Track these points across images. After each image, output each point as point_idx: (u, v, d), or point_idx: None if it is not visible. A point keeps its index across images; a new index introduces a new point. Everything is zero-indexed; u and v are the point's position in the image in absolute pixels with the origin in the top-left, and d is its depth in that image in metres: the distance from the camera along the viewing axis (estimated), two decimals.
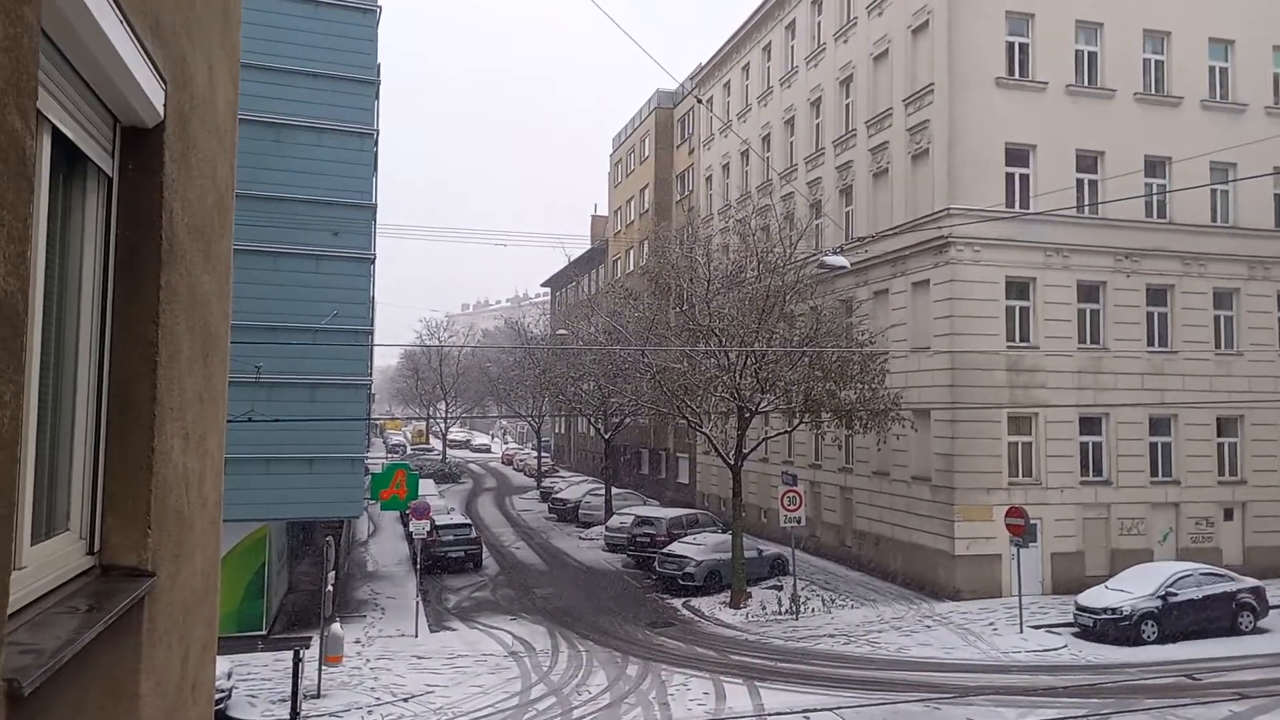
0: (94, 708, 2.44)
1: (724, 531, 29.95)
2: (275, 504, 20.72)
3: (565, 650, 21.20)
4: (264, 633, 21.47)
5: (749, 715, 16.27)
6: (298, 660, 10.99)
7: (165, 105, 3.04)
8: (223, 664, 16.39)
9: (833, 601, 25.24)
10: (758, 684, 18.05)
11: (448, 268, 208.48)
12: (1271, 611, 22.36)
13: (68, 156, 2.65)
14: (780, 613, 24.20)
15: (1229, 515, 27.56)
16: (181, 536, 3.46)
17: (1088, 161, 26.83)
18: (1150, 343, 27.18)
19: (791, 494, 25.16)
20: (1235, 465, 27.78)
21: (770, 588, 26.79)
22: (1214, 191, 27.81)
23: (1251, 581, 22.43)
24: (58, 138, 2.48)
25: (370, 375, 26.08)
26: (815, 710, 16.36)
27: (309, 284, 21.45)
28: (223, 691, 16.00)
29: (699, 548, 27.86)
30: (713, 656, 20.47)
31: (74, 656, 2.13)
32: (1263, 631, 21.68)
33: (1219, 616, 21.45)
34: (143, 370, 3.00)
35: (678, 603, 25.97)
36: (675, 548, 28.49)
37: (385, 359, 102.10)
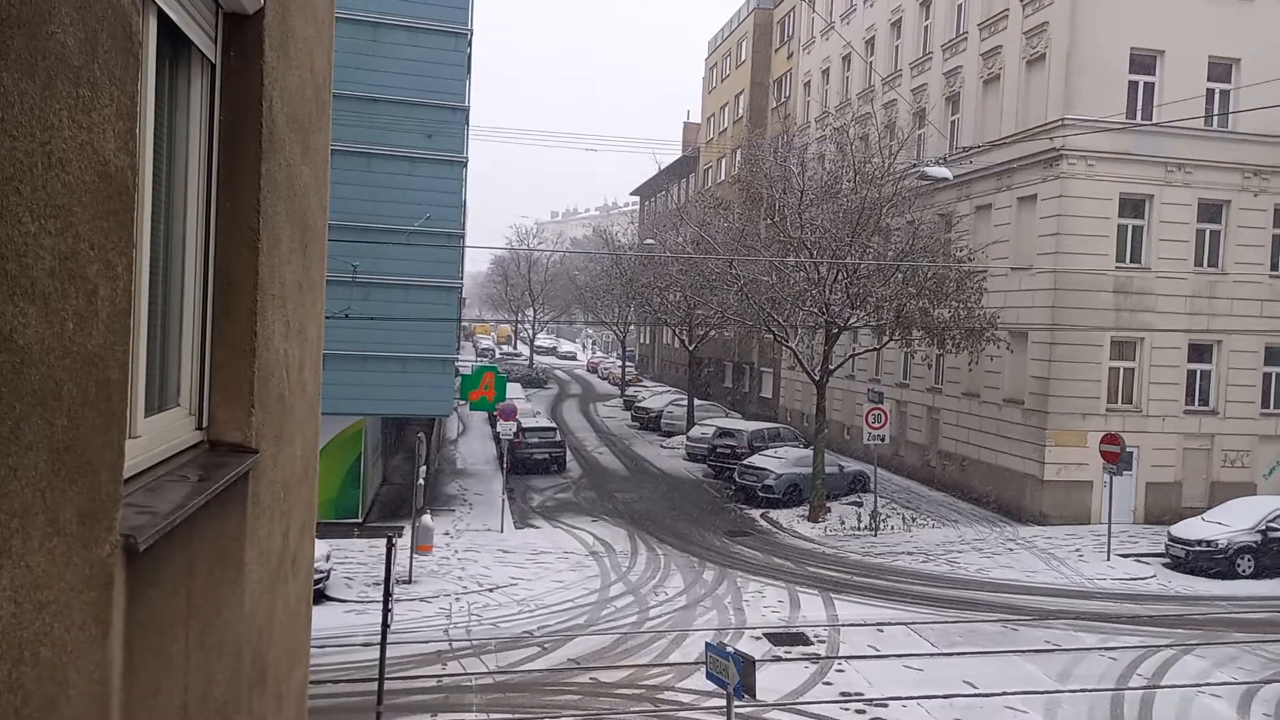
0: (203, 571, 2.59)
1: (805, 446, 29.92)
2: (370, 400, 21.49)
3: (644, 552, 21.75)
4: (360, 520, 22.57)
5: (822, 624, 16.50)
6: (391, 547, 11.54)
7: None
8: (321, 547, 17.33)
9: (913, 520, 25.13)
10: (832, 595, 18.24)
11: (539, 173, 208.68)
12: None
13: (173, 41, 2.68)
14: (859, 528, 24.25)
15: None
16: (283, 418, 3.60)
17: (1220, 69, 24.88)
18: (1274, 267, 25.54)
19: (877, 411, 24.87)
20: None
21: (850, 504, 26.80)
22: None
23: None
24: (163, 22, 2.50)
25: (461, 279, 26.49)
26: (889, 624, 16.49)
27: (403, 185, 21.69)
28: (321, 572, 16.97)
29: (780, 460, 27.95)
30: (789, 567, 20.72)
31: (184, 521, 2.25)
32: None
33: None
34: (245, 255, 3.07)
35: (756, 513, 26.25)
36: (756, 459, 28.64)
37: (476, 264, 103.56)
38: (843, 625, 16.40)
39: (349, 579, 18.24)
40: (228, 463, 2.84)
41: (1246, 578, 20.07)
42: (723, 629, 16.11)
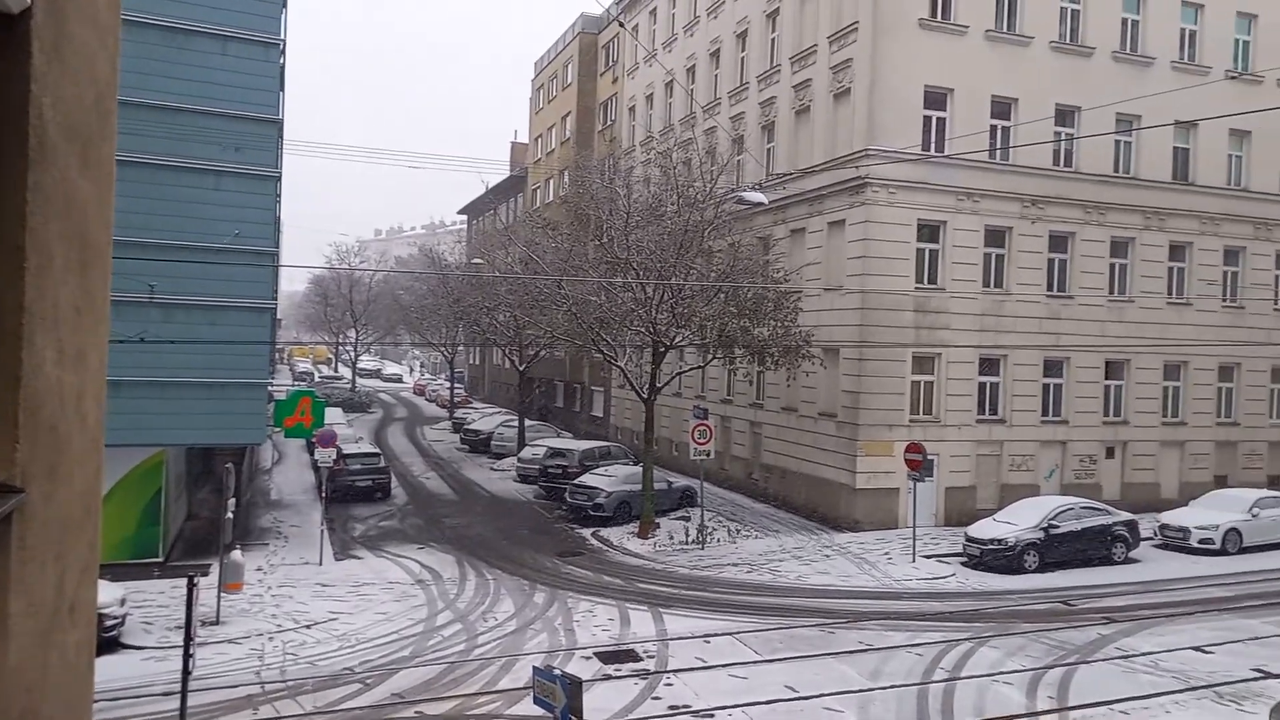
0: None
1: (635, 464, 30.34)
2: (172, 429, 20.06)
3: (473, 578, 21.34)
4: (161, 560, 20.96)
5: (652, 639, 16.72)
6: (192, 586, 10.76)
7: None
8: (116, 590, 15.99)
9: (738, 532, 25.95)
10: (662, 610, 18.53)
11: (361, 192, 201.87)
12: (1143, 543, 23.98)
13: None
14: (687, 542, 24.78)
15: (1110, 453, 29.22)
16: (57, 453, 3.30)
17: (1002, 107, 27.37)
18: (1049, 288, 28.24)
19: (702, 427, 25.56)
20: (1119, 407, 29.36)
21: (678, 519, 27.36)
22: (1117, 143, 28.77)
23: (1126, 515, 23.94)
24: None
25: (275, 299, 25.22)
26: (715, 635, 16.92)
27: (209, 200, 20.48)
28: (115, 618, 15.63)
29: (610, 479, 28.20)
30: (619, 584, 20.89)
31: None
32: (1134, 561, 23.23)
33: (1095, 547, 22.87)
34: (9, 276, 2.81)
35: (587, 532, 26.33)
36: (586, 479, 28.77)
37: (292, 283, 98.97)
38: (671, 639, 16.68)
39: (148, 624, 16.86)
40: None
41: (1033, 572, 21.96)
42: (553, 651, 16.02)
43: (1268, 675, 15.05)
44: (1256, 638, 17.12)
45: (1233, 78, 29.76)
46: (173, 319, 19.95)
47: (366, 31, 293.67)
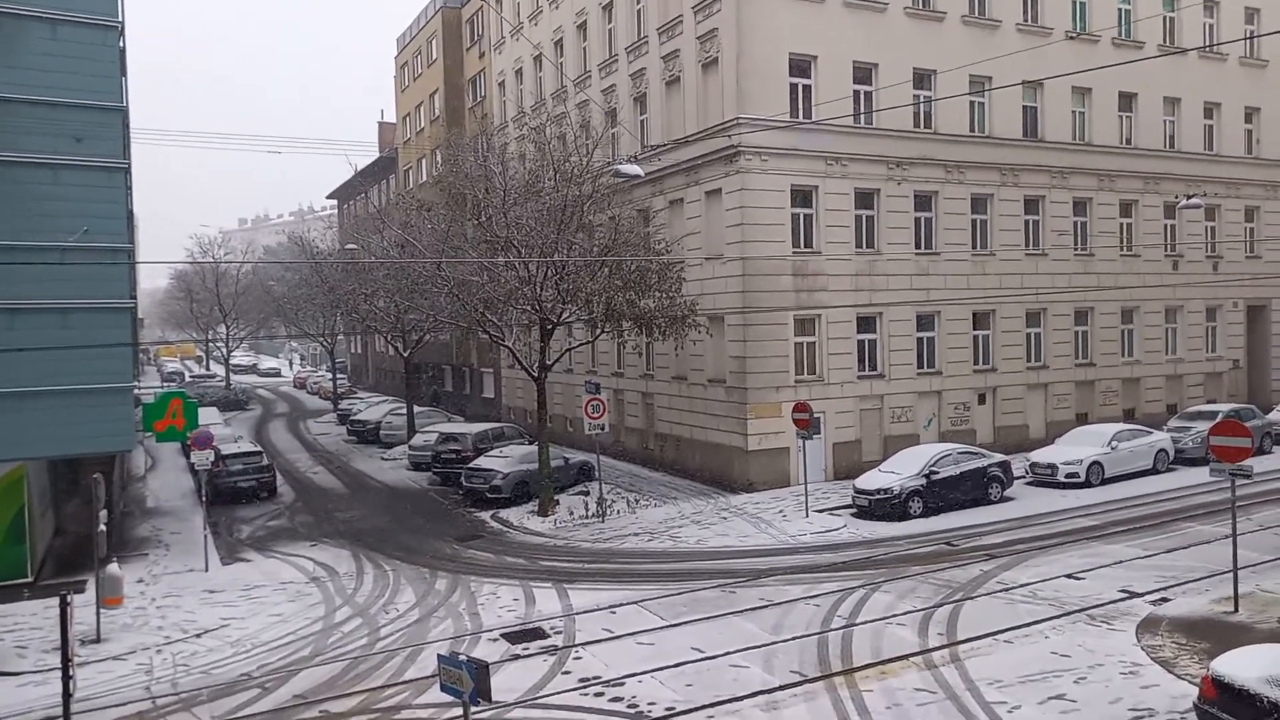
0: None
1: (531, 443, 30.19)
2: (30, 441, 18.77)
3: (371, 571, 20.87)
4: (30, 579, 19.67)
5: (558, 615, 16.75)
6: (66, 605, 10.14)
7: None
8: None
9: (637, 502, 26.20)
10: (566, 586, 18.58)
11: (222, 179, 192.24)
12: (1016, 482, 25.43)
13: None
14: (587, 517, 24.87)
15: (982, 400, 30.81)
16: None
17: (863, 73, 28.17)
18: (917, 245, 29.40)
19: (595, 402, 25.62)
20: (987, 355, 30.94)
21: (578, 494, 27.42)
22: (972, 104, 30.06)
23: (1000, 457, 25.32)
24: None
25: (134, 298, 23.80)
26: (620, 605, 17.09)
27: (50, 196, 19.12)
28: None
29: (506, 460, 27.99)
30: (522, 564, 20.82)
31: None
32: (1009, 499, 24.61)
33: (973, 489, 24.12)
34: None
35: (486, 515, 26.10)
36: (482, 461, 28.47)
37: (153, 280, 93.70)
38: (577, 614, 16.75)
39: (21, 648, 15.82)
40: None
41: (918, 517, 23.01)
42: (459, 636, 15.87)
43: (1133, 595, 16.26)
44: (1121, 561, 18.45)
45: (1072, 38, 31.45)
46: (18, 325, 18.62)
47: (212, 11, 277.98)
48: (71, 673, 10.24)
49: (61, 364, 18.61)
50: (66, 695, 10.27)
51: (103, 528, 17.20)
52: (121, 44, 21.85)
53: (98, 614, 16.56)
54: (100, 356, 19.19)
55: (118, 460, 27.70)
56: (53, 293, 18.95)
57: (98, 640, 16.08)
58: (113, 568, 17.28)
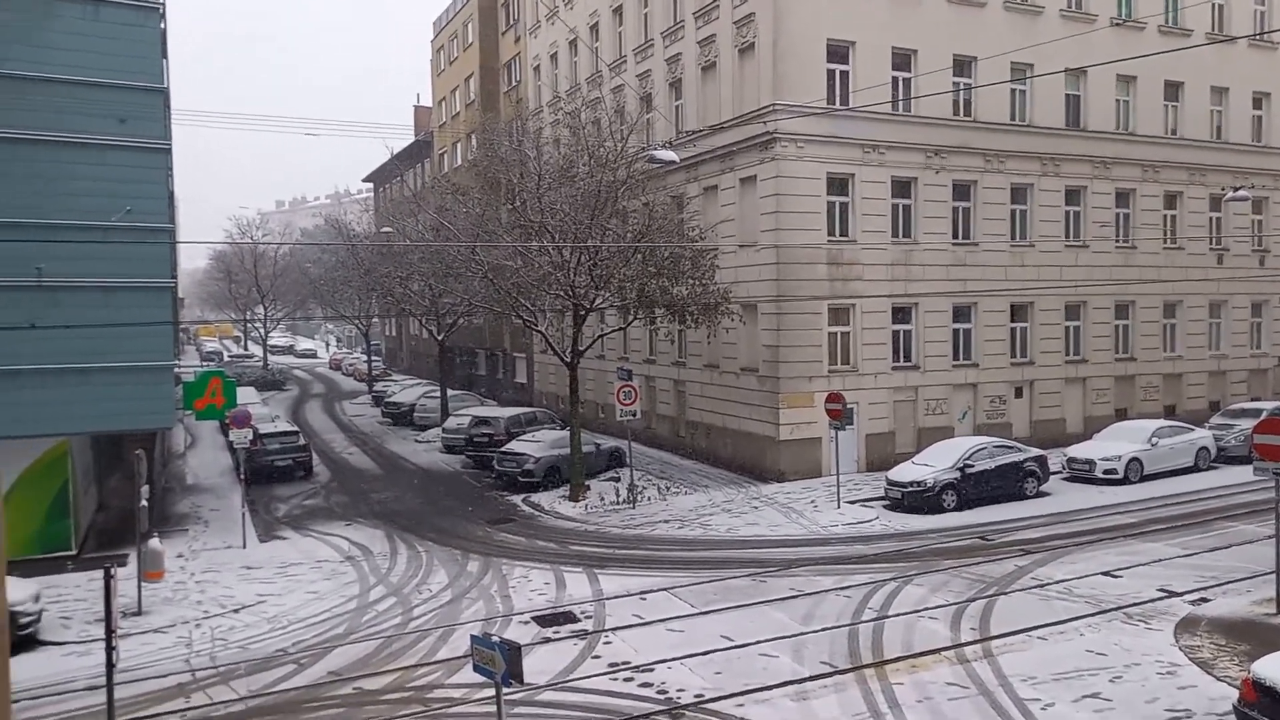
0: None
1: (563, 428, 30.31)
2: (74, 417, 19.11)
3: (404, 552, 21.10)
4: (74, 552, 20.12)
5: (588, 600, 16.84)
6: (110, 577, 10.36)
7: None
8: (29, 586, 15.34)
9: (667, 490, 26.23)
10: (596, 571, 18.67)
11: (261, 161, 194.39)
12: (1052, 477, 25.13)
13: None
14: (618, 503, 24.95)
15: (1019, 393, 30.44)
16: None
17: (902, 59, 27.79)
18: (955, 236, 29.03)
19: (627, 389, 25.63)
20: (1025, 348, 30.54)
21: (609, 480, 27.52)
22: (1013, 91, 29.57)
23: (1036, 451, 25.01)
24: None
25: (174, 277, 24.15)
26: (651, 591, 17.14)
27: (94, 177, 19.36)
28: (30, 615, 15.00)
29: (538, 444, 28.13)
30: (553, 548, 20.94)
31: None
32: (1045, 495, 24.33)
33: (1009, 483, 23.86)
34: None
35: (518, 499, 26.27)
36: (514, 445, 28.64)
37: (192, 260, 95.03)
38: (607, 599, 16.83)
39: (66, 619, 16.21)
40: None
41: (952, 511, 22.82)
42: (490, 618, 16.01)
43: (1172, 594, 16.02)
44: (1160, 560, 18.18)
45: (1117, 25, 30.81)
46: (63, 303, 18.92)
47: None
48: (115, 644, 10.47)
49: (104, 342, 18.93)
50: (110, 666, 10.52)
51: (144, 503, 17.53)
52: (162, 25, 22.10)
53: (139, 587, 16.91)
54: (142, 335, 19.49)
55: (158, 437, 28.22)
56: (96, 271, 19.24)
57: (139, 613, 16.43)
58: (154, 542, 17.62)
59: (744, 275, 27.57)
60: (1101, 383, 31.97)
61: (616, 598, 16.85)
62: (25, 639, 14.64)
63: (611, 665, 13.64)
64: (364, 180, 74.84)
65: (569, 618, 15.91)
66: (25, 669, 13.34)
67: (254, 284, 64.90)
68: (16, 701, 10.27)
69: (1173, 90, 32.63)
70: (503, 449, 28.82)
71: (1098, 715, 11.49)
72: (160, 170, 21.04)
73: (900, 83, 27.78)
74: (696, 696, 12.44)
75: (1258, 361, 35.32)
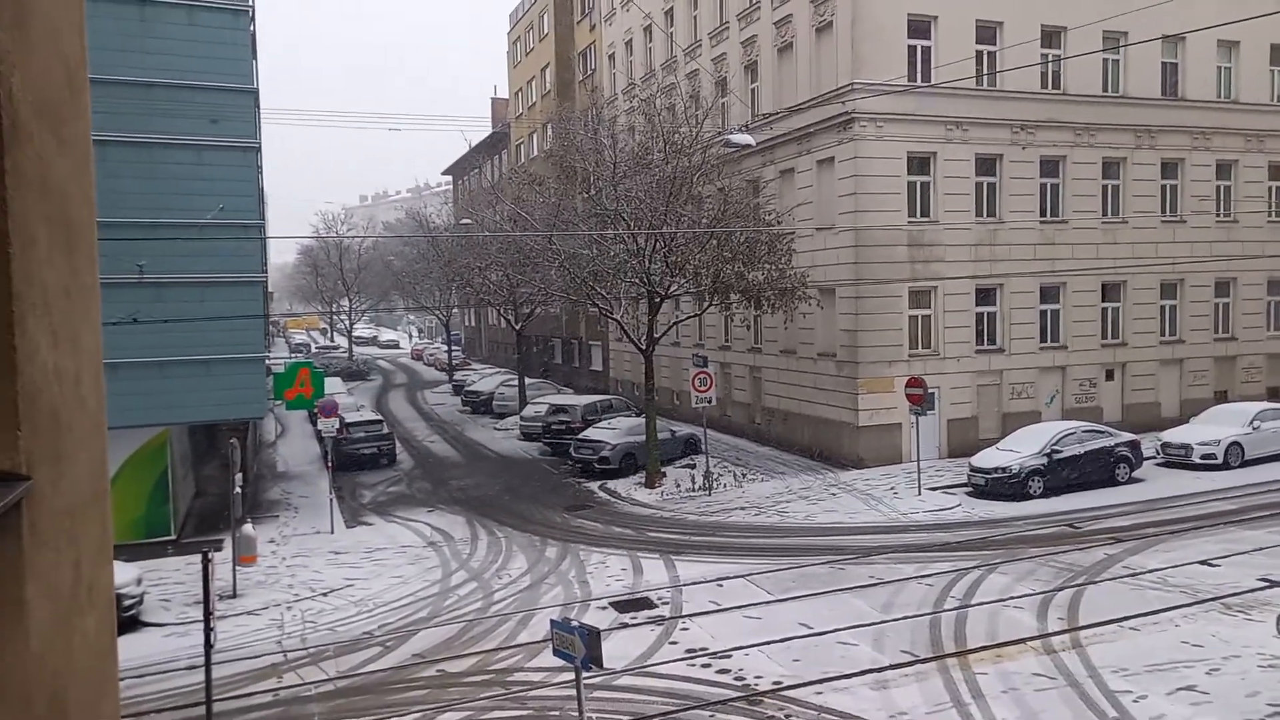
0: None
1: (638, 415, 30.42)
2: (173, 407, 20.04)
3: (484, 538, 21.52)
4: (173, 537, 21.11)
5: (665, 586, 16.91)
6: (208, 561, 10.83)
7: None
8: (131, 570, 16.13)
9: (744, 476, 26.12)
10: (673, 557, 18.72)
11: (343, 157, 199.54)
12: (1145, 462, 24.16)
13: None
14: (694, 490, 24.95)
15: (1110, 376, 29.32)
16: (59, 438, 3.26)
17: (987, 32, 26.92)
18: (1042, 213, 28.07)
19: (702, 375, 25.57)
20: (1116, 329, 29.38)
21: (684, 467, 27.53)
22: (1105, 61, 28.36)
23: (1128, 436, 24.08)
24: None
25: (265, 272, 25.03)
26: (728, 578, 17.11)
27: (190, 176, 20.22)
28: (133, 597, 15.79)
29: (614, 431, 28.31)
30: (629, 534, 21.08)
31: None
32: (1137, 481, 23.43)
33: (1099, 469, 23.05)
34: None
35: (594, 486, 26.50)
36: (590, 433, 28.88)
37: (281, 255, 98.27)
38: (684, 585, 16.87)
39: (166, 601, 17.03)
40: None
41: (1038, 498, 22.16)
42: (568, 603, 16.22)
43: (1273, 584, 15.27)
44: (1261, 548, 17.33)
45: None
46: (164, 298, 19.80)
47: None
48: (212, 625, 10.95)
49: (199, 335, 19.77)
50: (208, 646, 11.01)
51: (238, 490, 18.27)
52: (251, 28, 22.85)
53: (234, 571, 17.65)
54: (235, 328, 20.31)
55: (251, 426, 29.34)
56: (192, 268, 20.09)
57: (234, 596, 17.15)
58: (248, 528, 18.36)
59: (821, 259, 27.17)
60: (1199, 364, 30.56)
61: (694, 584, 16.87)
62: (129, 620, 15.42)
63: (689, 651, 13.68)
64: (443, 173, 76.18)
65: (646, 603, 16.00)
66: (128, 649, 14.02)
67: (339, 277, 66.74)
68: (123, 678, 10.83)
69: (1279, 54, 30.83)
70: (579, 436, 29.09)
71: (1194, 709, 11.05)
72: (251, 169, 21.83)
73: (985, 56, 26.93)
74: (775, 683, 12.39)
75: None
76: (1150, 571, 16.25)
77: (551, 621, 9.57)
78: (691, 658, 13.44)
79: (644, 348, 26.35)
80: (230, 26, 20.81)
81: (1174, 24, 26.93)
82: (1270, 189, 31.27)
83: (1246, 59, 30.25)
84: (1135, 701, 11.28)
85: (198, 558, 12.87)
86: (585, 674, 9.58)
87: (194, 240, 19.80)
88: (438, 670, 13.56)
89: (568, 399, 35.39)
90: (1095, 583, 15.84)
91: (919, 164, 26.52)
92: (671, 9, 36.77)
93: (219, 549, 19.31)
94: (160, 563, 19.35)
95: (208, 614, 10.90)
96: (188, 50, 20.06)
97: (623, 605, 15.95)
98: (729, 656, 13.37)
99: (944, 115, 26.29)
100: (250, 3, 21.50)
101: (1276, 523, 19.07)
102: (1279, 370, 31.84)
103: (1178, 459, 24.80)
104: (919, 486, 22.90)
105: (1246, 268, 30.67)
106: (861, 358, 25.96)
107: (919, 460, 23.49)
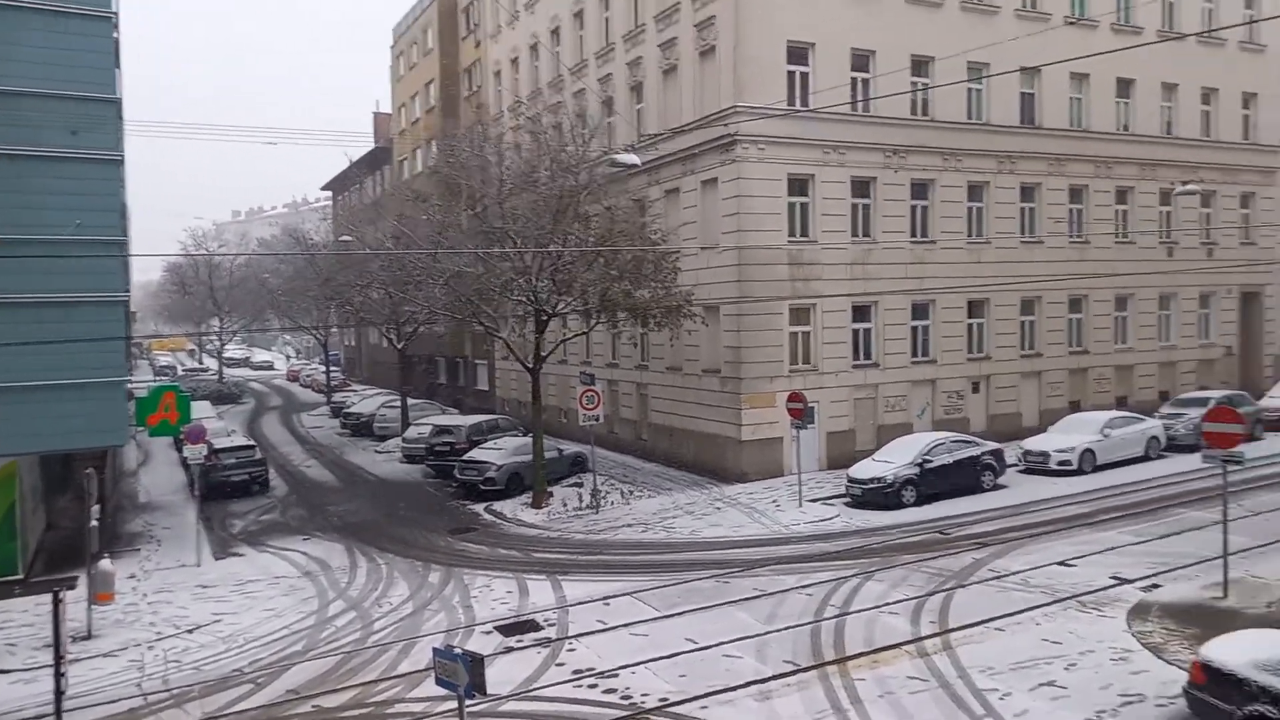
0: None
1: (525, 435, 30.14)
2: (22, 435, 18.70)
3: (364, 565, 20.86)
4: (20, 576, 19.63)
5: (551, 607, 16.75)
6: (58, 601, 10.11)
7: None
8: None
9: (631, 494, 26.19)
10: (560, 577, 18.57)
11: (214, 171, 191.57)
12: (1009, 470, 25.45)
13: None
14: (581, 508, 24.85)
15: (975, 388, 30.80)
16: None
17: (861, 60, 28.02)
18: (913, 234, 29.31)
19: (589, 393, 25.56)
20: (981, 343, 30.91)
21: (571, 485, 27.41)
22: (969, 91, 29.93)
23: (993, 445, 25.31)
24: None
25: (127, 291, 23.72)
26: (615, 596, 17.08)
27: (46, 190, 19.02)
28: None
29: (500, 452, 27.95)
30: (515, 556, 20.81)
31: None
32: (1001, 487, 24.62)
33: (966, 477, 24.13)
34: None
35: (480, 508, 26.07)
36: (476, 453, 28.44)
37: (145, 273, 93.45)
38: (571, 605, 16.74)
39: (11, 645, 15.81)
40: None
41: (911, 506, 23.01)
42: (452, 629, 15.86)
43: (1124, 581, 16.28)
44: (1113, 548, 18.46)
45: (1071, 23, 31.31)
46: (17, 319, 18.54)
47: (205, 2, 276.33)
48: (63, 670, 10.24)
49: (54, 358, 18.54)
50: (58, 693, 10.27)
51: (95, 523, 17.15)
52: (115, 35, 21.71)
53: (89, 610, 16.54)
54: (93, 351, 19.12)
55: (110, 455, 27.65)
56: (47, 286, 18.87)
57: (89, 637, 16.06)
58: (105, 563, 17.24)
59: (706, 277, 27.62)
60: (1056, 376, 32.46)
61: (580, 604, 16.77)
62: None
63: (575, 672, 13.57)
64: (322, 188, 74.03)
65: (532, 626, 15.80)
66: None
67: (209, 296, 63.87)
68: None
69: (1124, 87, 33.25)
70: (464, 457, 28.60)
71: (1053, 703, 11.64)
72: (113, 182, 20.67)
73: (859, 83, 28.00)
74: (661, 700, 12.41)
75: (1206, 352, 36.09)
76: (1013, 574, 17.07)
77: (434, 650, 9.33)
78: (578, 679, 13.33)
79: (531, 366, 26.16)
80: (92, 34, 19.72)
81: (1032, 57, 28.71)
82: (1116, 212, 33.59)
83: (1096, 91, 32.47)
84: (1001, 699, 11.80)
85: (48, 597, 12.00)
86: (469, 702, 9.38)
87: (49, 258, 18.59)
88: (313, 706, 13.02)
89: (452, 419, 34.77)
90: (964, 586, 16.53)
91: (798, 185, 27.33)
92: (558, 29, 36.88)
93: (72, 587, 17.93)
94: (7, 604, 17.98)
95: (58, 658, 10.17)
96: (45, 58, 18.94)
97: (508, 629, 15.71)
98: (616, 675, 13.33)
99: (822, 139, 27.20)
100: (114, 10, 20.44)
101: (1126, 524, 20.37)
102: (1126, 381, 34.14)
103: (1037, 466, 26.21)
104: (800, 498, 23.45)
105: (1097, 285, 32.83)
106: (744, 374, 26.48)
107: (800, 473, 24.09)
